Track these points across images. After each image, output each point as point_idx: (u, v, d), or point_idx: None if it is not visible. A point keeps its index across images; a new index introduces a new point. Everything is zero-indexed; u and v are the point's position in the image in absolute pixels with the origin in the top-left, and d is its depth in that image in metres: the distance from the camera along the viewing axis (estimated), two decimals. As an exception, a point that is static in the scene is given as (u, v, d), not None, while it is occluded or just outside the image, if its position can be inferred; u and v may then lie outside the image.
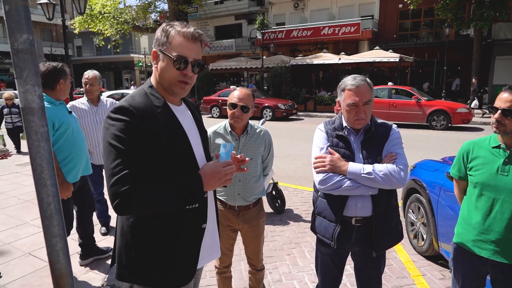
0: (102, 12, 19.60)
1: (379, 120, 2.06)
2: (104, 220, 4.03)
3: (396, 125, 2.08)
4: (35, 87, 0.94)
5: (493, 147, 1.94)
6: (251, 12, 25.76)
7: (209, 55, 27.16)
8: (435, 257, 3.54)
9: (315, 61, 19.40)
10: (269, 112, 15.84)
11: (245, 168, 1.63)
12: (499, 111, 1.85)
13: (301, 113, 17.80)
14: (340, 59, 18.39)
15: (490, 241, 1.91)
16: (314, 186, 2.08)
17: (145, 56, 33.31)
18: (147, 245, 1.38)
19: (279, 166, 7.25)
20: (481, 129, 12.15)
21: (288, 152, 8.86)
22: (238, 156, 1.58)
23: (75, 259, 3.45)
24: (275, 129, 12.24)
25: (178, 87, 1.39)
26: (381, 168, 1.85)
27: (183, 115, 1.49)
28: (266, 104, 15.98)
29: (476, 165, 1.99)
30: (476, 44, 16.55)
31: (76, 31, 20.32)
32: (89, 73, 3.78)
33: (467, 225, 2.04)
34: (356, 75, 2.00)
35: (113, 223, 4.14)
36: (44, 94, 2.89)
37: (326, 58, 19.24)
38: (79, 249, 3.45)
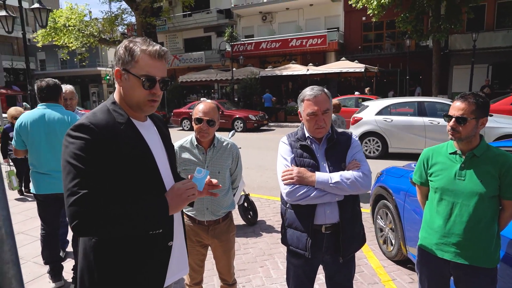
0: (67, 25, 19.13)
1: (339, 129, 2.13)
2: (62, 244, 3.84)
3: (355, 134, 2.16)
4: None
5: (450, 153, 2.04)
6: (220, 24, 25.93)
7: (179, 67, 26.99)
8: (404, 261, 3.63)
9: (284, 72, 19.74)
10: (240, 123, 15.87)
11: (216, 194, 1.61)
12: (453, 119, 1.95)
13: (272, 124, 17.96)
14: (308, 70, 18.80)
15: (451, 243, 1.99)
16: (282, 198, 2.10)
17: (112, 69, 32.61)
18: (110, 266, 1.33)
19: (251, 177, 7.24)
20: (443, 135, 12.69)
21: (260, 162, 8.88)
22: (214, 182, 1.56)
23: (38, 283, 3.27)
24: (247, 140, 12.28)
25: (147, 106, 1.38)
26: (348, 175, 1.91)
27: (148, 130, 1.46)
28: (237, 116, 16.01)
29: (435, 171, 2.08)
30: (435, 54, 17.44)
31: (39, 44, 19.68)
32: (67, 88, 3.71)
33: (430, 229, 2.11)
34: (314, 86, 2.06)
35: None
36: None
37: (295, 69, 19.62)
38: (43, 272, 3.27)
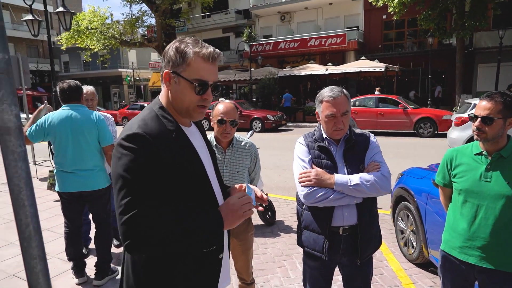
0: (89, 28, 19.62)
1: (357, 130, 2.09)
2: (84, 242, 3.94)
3: (373, 134, 2.12)
4: (12, 106, 0.93)
5: (475, 154, 1.98)
6: (238, 25, 26.04)
7: (198, 68, 27.23)
8: (426, 265, 3.54)
9: (303, 72, 19.63)
10: (259, 123, 15.89)
11: (261, 208, 1.54)
12: (479, 119, 1.89)
13: (290, 124, 17.89)
14: (327, 69, 18.64)
15: (476, 247, 1.93)
16: (298, 200, 2.08)
17: (133, 71, 33.26)
18: (161, 283, 1.27)
19: (269, 177, 7.24)
20: (467, 136, 12.33)
21: (278, 163, 8.87)
22: (259, 195, 1.47)
23: (62, 279, 3.37)
24: (265, 141, 12.27)
25: (197, 112, 1.29)
26: (368, 178, 1.88)
27: (194, 137, 1.36)
28: (255, 116, 16.03)
29: (459, 172, 2.02)
30: (459, 52, 16.97)
31: (63, 47, 20.26)
32: (88, 89, 3.80)
33: (453, 232, 2.05)
34: (333, 86, 2.02)
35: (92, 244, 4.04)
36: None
37: (314, 69, 19.49)
38: (67, 268, 3.36)
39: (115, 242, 4.03)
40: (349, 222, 1.94)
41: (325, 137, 2.02)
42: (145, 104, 20.34)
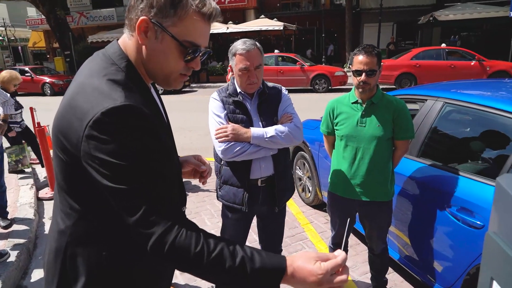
0: None
1: (269, 84, 2.13)
2: None
3: (284, 87, 2.19)
4: None
5: (352, 103, 2.23)
6: (130, -23, 23.74)
7: (87, 26, 24.47)
8: (320, 205, 4.00)
9: (204, 31, 19.08)
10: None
11: (203, 182, 1.40)
12: (364, 73, 2.07)
13: (194, 85, 17.54)
14: (228, 28, 18.43)
15: (356, 184, 2.24)
16: (216, 156, 2.08)
17: (5, 29, 28.29)
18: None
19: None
20: (355, 90, 13.68)
21: (183, 125, 8.74)
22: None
23: None
24: (168, 103, 11.79)
25: (178, 81, 1.00)
26: (282, 129, 1.96)
27: (158, 103, 1.09)
28: (157, 78, 15.29)
29: (340, 120, 2.26)
30: (348, 12, 18.28)
31: None
32: None
33: (337, 174, 2.33)
34: (246, 39, 1.98)
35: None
36: None
37: (215, 27, 19.00)
38: None
39: (1, 223, 3.62)
40: (266, 173, 2.03)
41: (239, 92, 2.00)
42: (26, 68, 17.62)
